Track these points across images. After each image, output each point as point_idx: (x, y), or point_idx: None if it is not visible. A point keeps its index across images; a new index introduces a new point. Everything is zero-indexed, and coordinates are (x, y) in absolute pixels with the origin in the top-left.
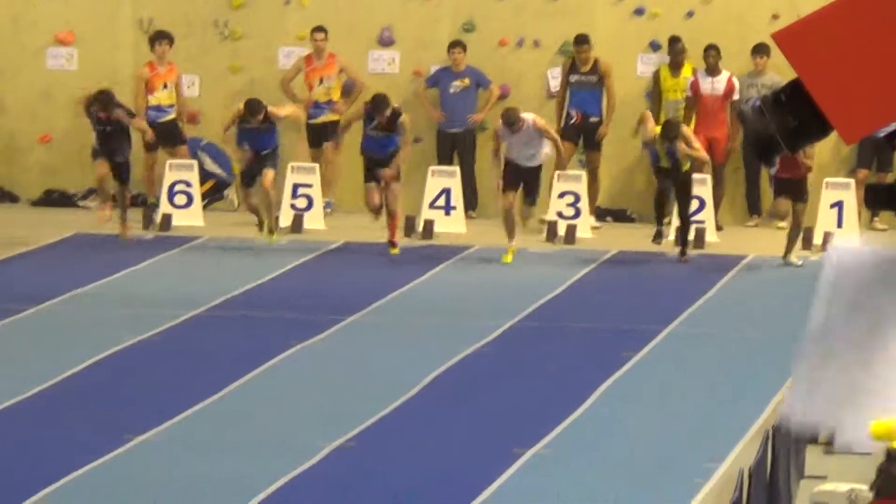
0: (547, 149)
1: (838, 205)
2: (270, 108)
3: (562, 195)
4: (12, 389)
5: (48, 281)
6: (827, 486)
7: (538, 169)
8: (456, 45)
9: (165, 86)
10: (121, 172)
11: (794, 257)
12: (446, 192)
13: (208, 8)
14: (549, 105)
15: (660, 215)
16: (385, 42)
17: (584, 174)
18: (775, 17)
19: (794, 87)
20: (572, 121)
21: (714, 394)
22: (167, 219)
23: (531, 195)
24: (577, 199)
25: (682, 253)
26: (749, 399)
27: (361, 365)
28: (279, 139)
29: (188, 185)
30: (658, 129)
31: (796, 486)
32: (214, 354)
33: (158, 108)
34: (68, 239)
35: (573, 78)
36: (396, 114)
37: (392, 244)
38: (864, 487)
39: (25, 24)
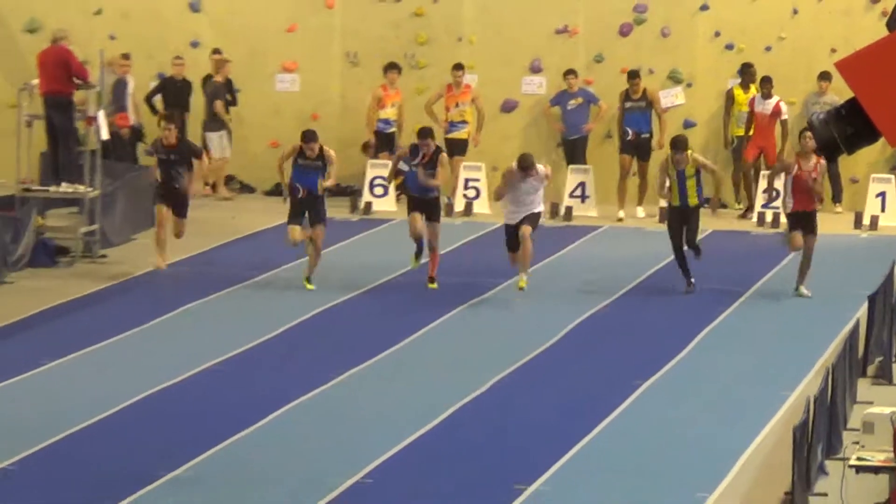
0: (540, 203)
1: (882, 194)
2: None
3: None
4: (260, 330)
5: (274, 254)
6: (874, 410)
7: (538, 214)
8: (570, 72)
9: (392, 104)
10: (179, 201)
11: (804, 288)
12: (582, 185)
13: (399, 43)
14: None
15: (683, 266)
16: (535, 70)
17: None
18: (833, 50)
19: (851, 104)
20: (628, 137)
21: (784, 336)
22: (368, 205)
23: (532, 225)
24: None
25: (689, 283)
26: (813, 341)
27: (528, 314)
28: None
29: (384, 179)
30: (671, 169)
31: (850, 410)
32: (422, 303)
33: (386, 122)
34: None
35: (627, 104)
36: (438, 149)
37: (431, 279)
38: None
39: (259, 55)
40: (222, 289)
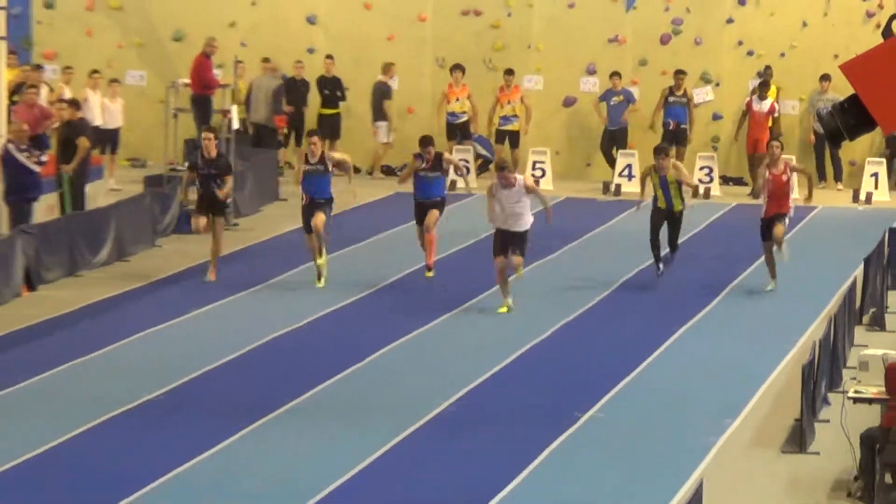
0: (529, 216)
1: (875, 174)
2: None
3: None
4: (381, 278)
5: (385, 221)
6: (868, 351)
7: (525, 233)
8: (614, 74)
9: (458, 99)
10: (218, 208)
11: (772, 286)
12: (629, 166)
13: (480, 51)
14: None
15: (656, 255)
16: (590, 72)
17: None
18: (836, 56)
19: (852, 99)
20: (670, 127)
21: (795, 291)
22: (453, 183)
23: (519, 251)
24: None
25: (666, 264)
26: (819, 295)
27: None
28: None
29: (466, 161)
30: (654, 176)
31: (849, 351)
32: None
33: (453, 114)
34: (392, 196)
35: (671, 98)
36: (439, 154)
37: (428, 268)
38: (893, 352)
39: (365, 62)
40: (342, 248)
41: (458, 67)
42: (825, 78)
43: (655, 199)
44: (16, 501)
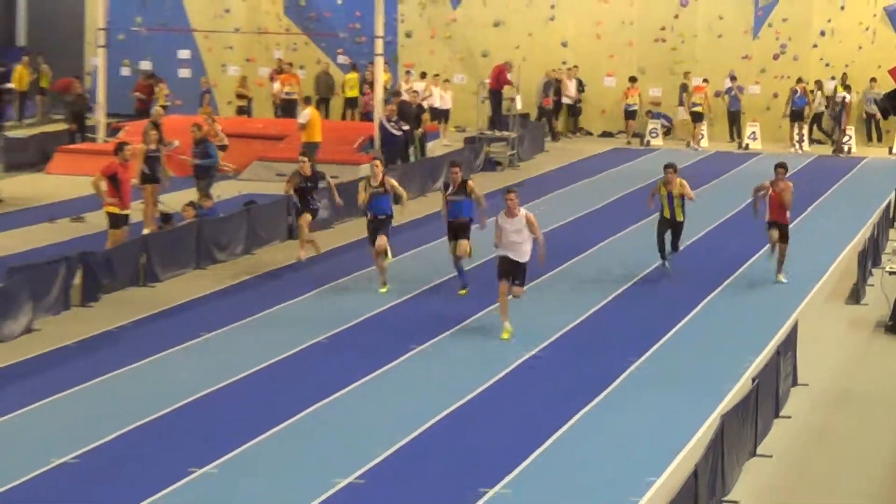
0: (528, 246)
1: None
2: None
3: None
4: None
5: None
6: None
7: (525, 265)
8: (733, 78)
9: (631, 96)
10: (315, 213)
11: (782, 276)
12: (754, 132)
13: (667, 64)
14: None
15: (662, 253)
16: (731, 77)
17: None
18: (879, 66)
19: (892, 92)
20: (794, 108)
21: (852, 208)
22: (648, 142)
23: (519, 282)
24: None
25: (670, 257)
26: (867, 209)
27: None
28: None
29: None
30: (663, 188)
31: (886, 242)
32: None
33: (629, 105)
34: (609, 151)
35: (795, 97)
36: (465, 180)
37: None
38: None
39: (596, 69)
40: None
41: (632, 79)
42: (873, 80)
43: (661, 209)
44: None
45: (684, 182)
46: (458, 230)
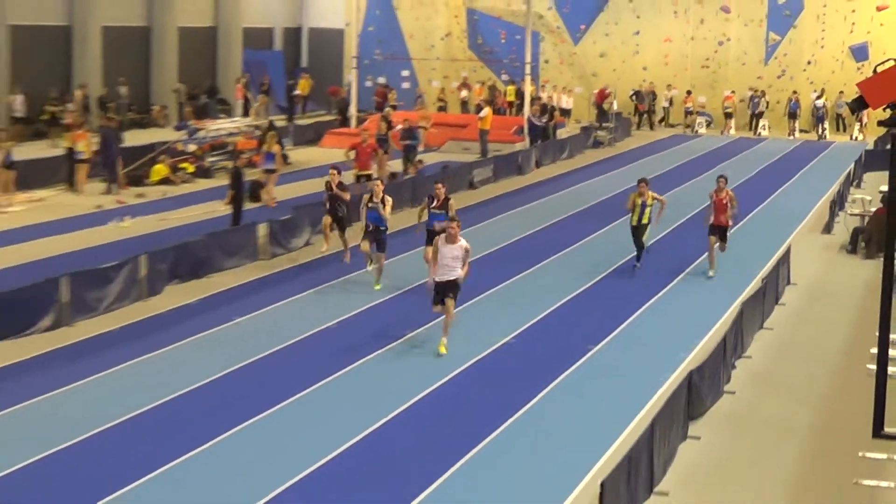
0: (459, 272)
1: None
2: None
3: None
4: None
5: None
6: (857, 195)
7: (456, 281)
8: (751, 89)
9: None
10: (341, 222)
11: (711, 271)
12: (764, 124)
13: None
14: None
15: (638, 257)
16: (752, 89)
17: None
18: (845, 84)
19: (860, 97)
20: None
21: (836, 161)
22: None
23: (452, 295)
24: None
25: (638, 259)
26: (847, 161)
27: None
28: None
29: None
30: (637, 198)
31: (848, 194)
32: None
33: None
34: (671, 137)
35: (817, 103)
36: (447, 197)
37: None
38: (868, 196)
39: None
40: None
41: (688, 91)
42: (841, 93)
43: (631, 217)
44: None
45: (656, 195)
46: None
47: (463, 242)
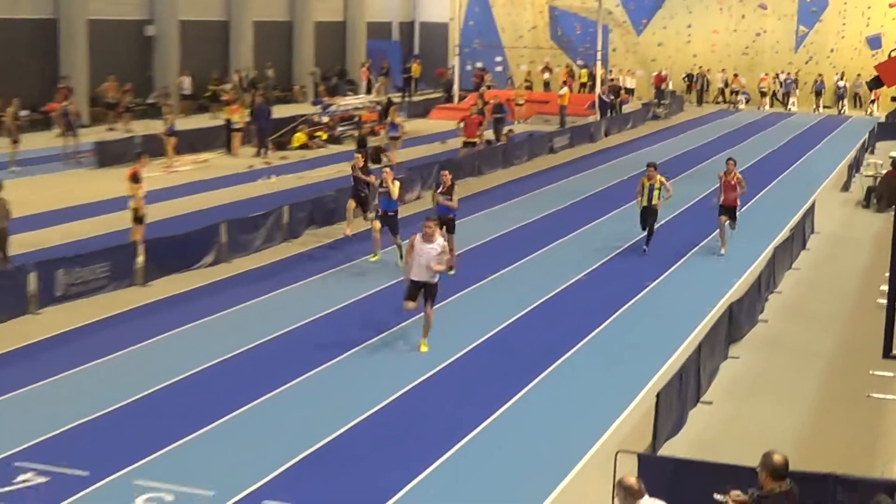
0: (439, 266)
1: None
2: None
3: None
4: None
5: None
6: (871, 159)
7: (435, 285)
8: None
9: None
10: (364, 203)
11: (723, 249)
12: (793, 101)
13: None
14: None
15: (647, 240)
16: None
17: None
18: (862, 68)
19: (877, 77)
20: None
21: (846, 136)
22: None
23: (430, 301)
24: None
25: (647, 244)
26: (857, 137)
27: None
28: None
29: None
30: (646, 181)
31: (864, 158)
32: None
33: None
34: (718, 112)
35: (840, 84)
36: (452, 183)
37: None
38: (881, 161)
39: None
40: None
41: (735, 75)
42: (858, 75)
43: (642, 197)
44: None
45: (663, 179)
46: (443, 224)
47: (440, 241)
